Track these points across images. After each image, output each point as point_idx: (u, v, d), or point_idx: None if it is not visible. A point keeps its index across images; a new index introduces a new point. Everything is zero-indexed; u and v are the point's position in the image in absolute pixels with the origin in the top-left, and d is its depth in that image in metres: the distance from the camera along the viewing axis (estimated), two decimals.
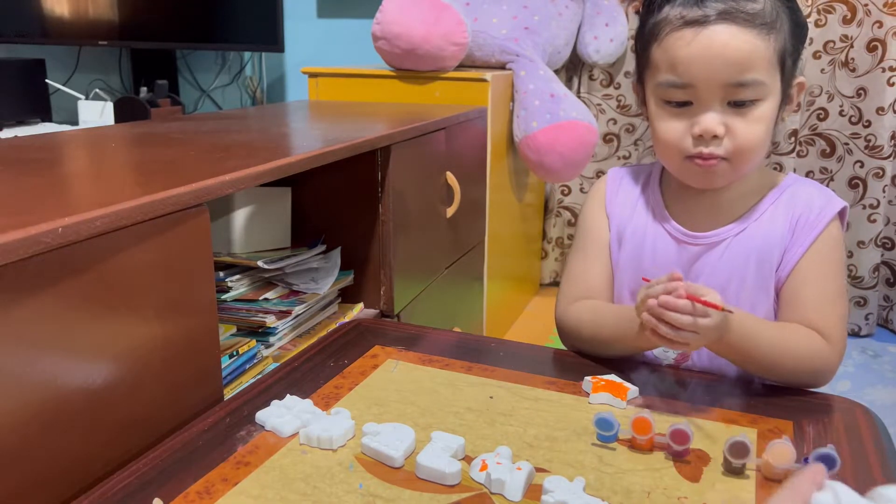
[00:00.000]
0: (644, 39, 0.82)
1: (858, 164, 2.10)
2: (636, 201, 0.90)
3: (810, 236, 0.82)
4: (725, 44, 0.75)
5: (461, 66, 1.87)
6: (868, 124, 2.06)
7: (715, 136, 0.77)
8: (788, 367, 0.78)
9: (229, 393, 0.88)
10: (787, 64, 0.79)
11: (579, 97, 2.21)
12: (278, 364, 0.90)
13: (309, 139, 1.25)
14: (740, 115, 0.77)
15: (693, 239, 0.85)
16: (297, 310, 1.07)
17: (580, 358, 0.87)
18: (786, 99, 0.81)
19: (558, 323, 0.91)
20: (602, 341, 0.85)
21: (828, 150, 2.14)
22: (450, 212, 1.50)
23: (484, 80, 1.74)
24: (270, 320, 1.02)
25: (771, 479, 0.62)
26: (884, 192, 2.09)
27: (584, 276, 0.91)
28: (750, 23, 0.75)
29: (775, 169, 2.09)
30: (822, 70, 2.08)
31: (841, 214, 0.84)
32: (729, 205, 0.85)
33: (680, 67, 0.77)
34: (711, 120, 0.77)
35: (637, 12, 0.88)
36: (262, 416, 0.70)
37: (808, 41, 2.06)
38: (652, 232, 0.88)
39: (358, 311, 1.23)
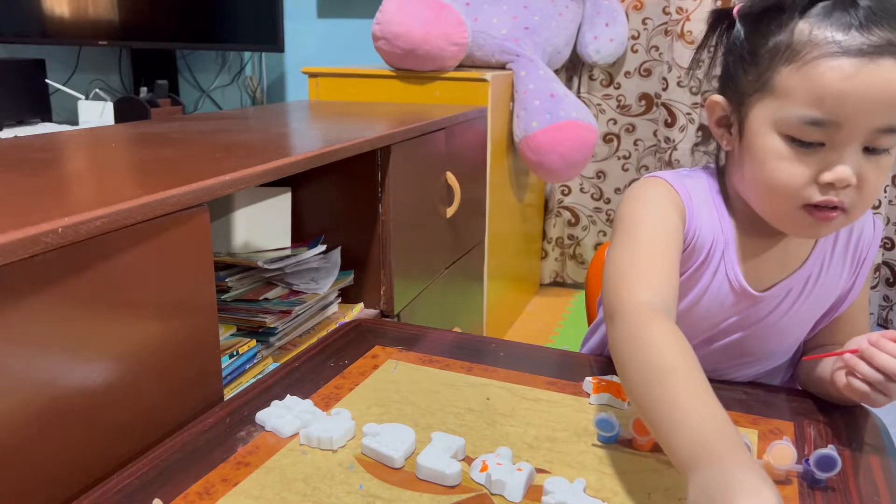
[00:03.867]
0: (760, 53, 0.67)
1: None
2: (713, 234, 0.76)
3: (866, 267, 0.79)
4: (893, 81, 0.62)
5: (461, 66, 1.87)
6: None
7: (847, 186, 0.65)
8: None
9: (229, 393, 0.88)
10: None
11: (579, 97, 2.20)
12: (278, 364, 0.90)
13: (309, 139, 1.25)
14: (873, 163, 0.65)
15: (755, 298, 0.77)
16: (297, 310, 1.07)
17: (581, 358, 0.87)
18: None
19: (610, 312, 0.68)
20: (639, 394, 0.59)
21: None
22: (450, 212, 1.50)
23: (484, 80, 1.74)
24: (270, 320, 1.02)
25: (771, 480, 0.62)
26: (884, 192, 2.09)
27: (653, 273, 0.70)
28: None
29: None
30: None
31: None
32: (796, 249, 0.77)
33: (829, 103, 0.62)
34: (850, 168, 0.64)
35: (727, 17, 0.73)
36: (262, 416, 0.70)
37: None
38: (719, 276, 0.77)
39: (358, 311, 1.23)
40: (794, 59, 0.64)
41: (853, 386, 0.67)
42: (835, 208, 0.66)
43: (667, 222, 0.73)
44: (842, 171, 0.64)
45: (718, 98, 0.73)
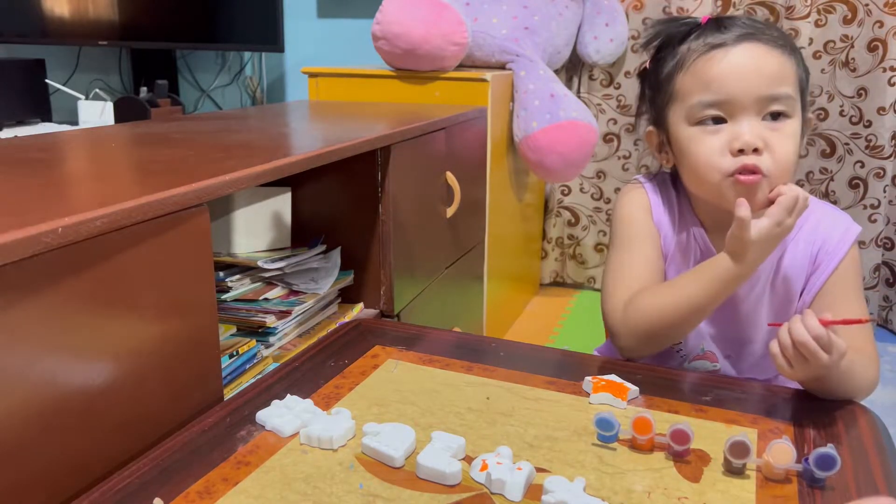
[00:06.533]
0: (662, 78, 0.84)
1: (859, 164, 2.10)
2: (675, 222, 0.90)
3: (833, 263, 0.84)
4: (757, 57, 0.79)
5: (461, 66, 1.87)
6: (869, 124, 2.06)
7: (755, 150, 0.77)
8: (852, 392, 0.77)
9: (229, 393, 0.88)
10: (804, 93, 0.82)
11: (579, 97, 2.21)
12: (278, 364, 0.90)
13: (309, 139, 1.25)
14: (775, 131, 0.78)
15: None
16: (297, 310, 1.07)
17: (580, 358, 0.87)
18: (804, 128, 0.82)
19: (614, 325, 0.85)
20: (685, 316, 0.80)
21: (828, 150, 2.14)
22: (450, 212, 1.50)
23: (484, 80, 1.74)
24: (270, 320, 1.02)
25: (771, 479, 0.62)
26: (884, 192, 2.09)
27: (637, 271, 0.87)
28: (773, 43, 0.79)
29: None
30: (823, 70, 2.08)
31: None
32: None
33: (714, 84, 0.79)
34: (750, 132, 0.77)
35: (644, 70, 0.92)
36: (262, 416, 0.70)
37: (808, 41, 2.06)
38: (695, 258, 0.88)
39: (358, 311, 1.23)
40: (684, 66, 0.82)
41: (777, 362, 0.71)
42: (754, 173, 0.77)
43: (640, 222, 0.90)
44: (746, 137, 0.77)
45: (651, 128, 0.90)
